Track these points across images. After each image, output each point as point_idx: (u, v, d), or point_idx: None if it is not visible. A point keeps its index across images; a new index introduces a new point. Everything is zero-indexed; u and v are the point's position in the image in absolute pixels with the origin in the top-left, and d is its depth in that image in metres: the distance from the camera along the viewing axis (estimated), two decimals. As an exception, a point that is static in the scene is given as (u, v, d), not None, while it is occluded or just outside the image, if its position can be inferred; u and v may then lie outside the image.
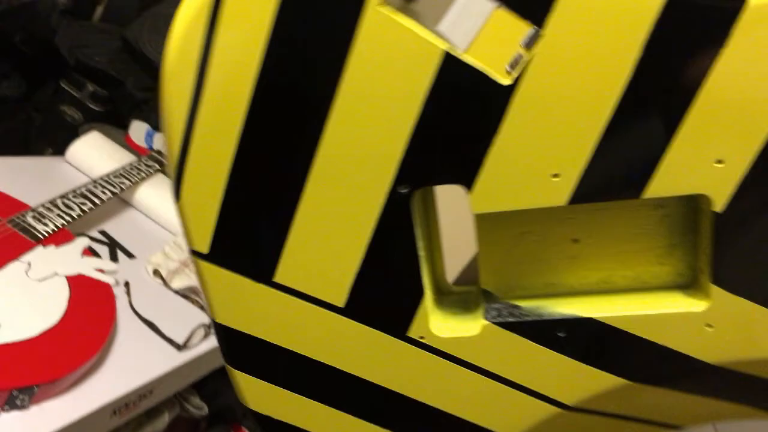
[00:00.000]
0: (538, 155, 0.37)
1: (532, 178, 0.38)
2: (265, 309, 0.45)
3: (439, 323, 0.44)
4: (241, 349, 0.49)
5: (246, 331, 0.47)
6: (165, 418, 0.86)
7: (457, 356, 0.44)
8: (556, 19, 0.34)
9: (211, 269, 0.44)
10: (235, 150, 0.40)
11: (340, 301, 0.44)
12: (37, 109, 1.36)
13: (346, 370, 0.47)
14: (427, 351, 0.45)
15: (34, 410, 0.63)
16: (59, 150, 1.13)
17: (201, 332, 0.85)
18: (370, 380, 0.47)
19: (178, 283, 0.91)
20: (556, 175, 0.37)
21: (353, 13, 0.35)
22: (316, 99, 0.38)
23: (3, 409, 0.60)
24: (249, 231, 0.43)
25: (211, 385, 0.98)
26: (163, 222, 1.03)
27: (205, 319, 0.88)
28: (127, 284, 0.84)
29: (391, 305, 0.44)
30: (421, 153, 0.38)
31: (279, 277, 0.44)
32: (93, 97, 1.28)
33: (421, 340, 0.45)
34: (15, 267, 0.72)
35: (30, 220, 0.78)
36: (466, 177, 0.39)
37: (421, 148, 0.38)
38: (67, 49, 1.30)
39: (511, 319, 0.44)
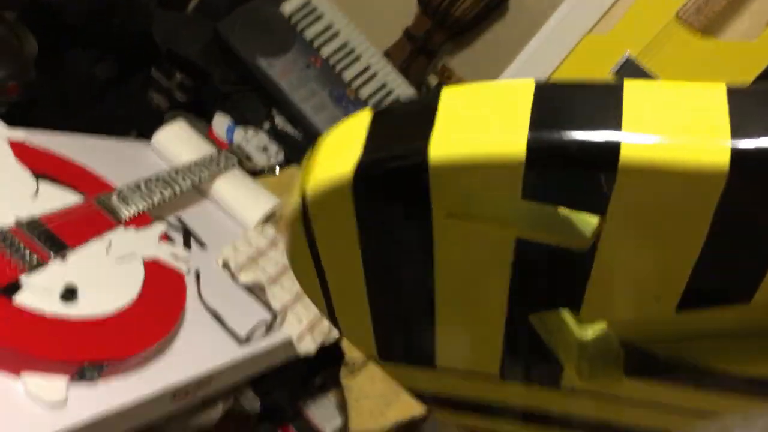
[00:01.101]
0: (636, 285, 0.37)
1: (634, 302, 0.38)
2: (436, 382, 0.53)
3: (586, 374, 0.46)
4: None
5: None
6: (219, 409, 0.88)
7: (611, 393, 0.48)
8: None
9: (386, 366, 0.52)
10: (366, 290, 0.43)
11: (495, 369, 0.48)
12: (126, 94, 1.40)
13: (507, 405, 0.54)
14: (583, 394, 0.48)
15: (102, 385, 0.64)
16: (142, 134, 1.17)
17: (263, 328, 0.86)
18: (528, 410, 0.54)
19: (245, 277, 0.92)
20: (657, 297, 0.37)
21: (425, 229, 0.37)
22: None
23: (72, 379, 0.62)
24: (400, 338, 0.49)
25: (265, 383, 0.99)
26: (236, 216, 1.05)
27: (266, 315, 0.89)
28: (198, 273, 0.86)
29: (539, 365, 0.47)
30: (522, 304, 0.41)
31: (440, 362, 0.49)
32: (180, 87, 1.32)
33: (575, 387, 0.48)
34: (97, 244, 0.74)
35: (114, 201, 0.81)
36: (572, 308, 0.41)
37: (520, 301, 0.41)
38: (161, 38, 1.34)
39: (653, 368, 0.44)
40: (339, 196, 0.35)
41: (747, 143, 0.30)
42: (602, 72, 1.46)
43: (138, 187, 0.86)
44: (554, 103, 0.32)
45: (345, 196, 0.35)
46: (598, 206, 0.33)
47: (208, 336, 0.80)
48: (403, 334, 0.49)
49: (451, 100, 0.34)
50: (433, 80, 1.60)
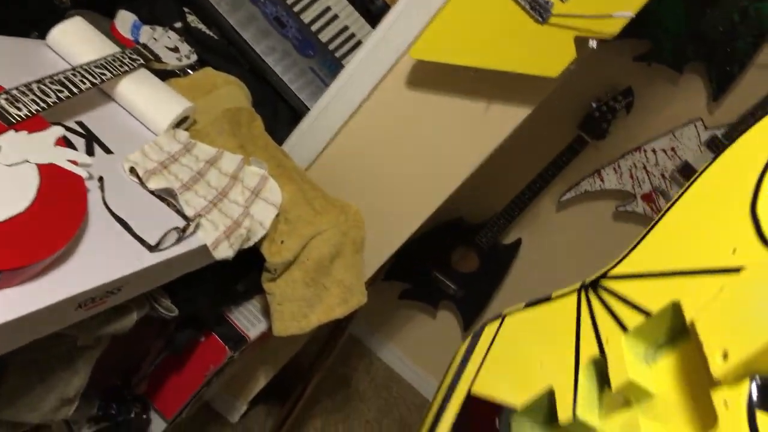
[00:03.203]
0: None
1: None
2: None
3: None
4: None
5: None
6: (133, 317, 0.86)
7: None
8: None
9: None
10: None
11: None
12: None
13: None
14: None
15: (-4, 296, 0.62)
16: (43, 35, 1.08)
17: (174, 235, 0.83)
18: None
19: (155, 183, 0.89)
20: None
21: None
22: None
23: (-37, 292, 0.59)
24: None
25: (186, 290, 0.98)
26: (145, 120, 1.00)
27: (180, 222, 0.87)
28: (101, 179, 0.82)
29: None
30: None
31: None
32: (81, -18, 1.21)
33: None
34: (-16, 149, 0.69)
35: (2, 103, 0.75)
36: None
37: None
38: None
39: None
40: None
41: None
42: None
43: (29, 88, 0.80)
44: None
45: None
46: None
47: (114, 244, 0.77)
48: None
49: None
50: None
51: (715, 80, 1.59)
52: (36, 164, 0.72)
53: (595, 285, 0.57)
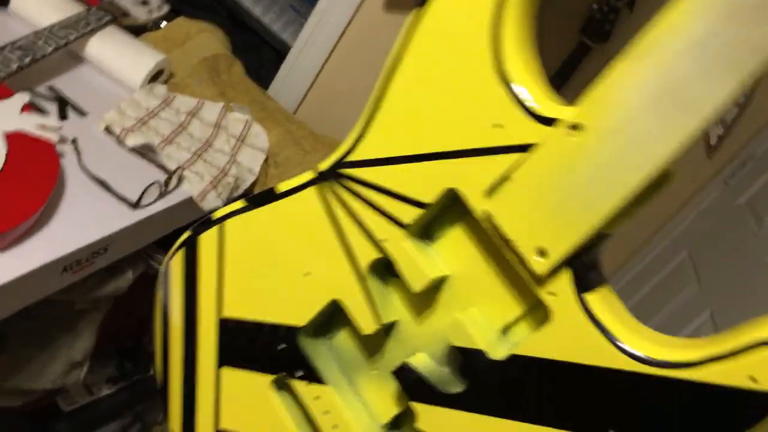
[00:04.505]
0: None
1: None
2: None
3: None
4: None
5: None
6: (129, 276, 0.86)
7: None
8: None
9: None
10: None
11: None
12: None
13: None
14: None
15: (-25, 267, 0.62)
16: (6, 2, 1.06)
17: (155, 190, 0.82)
18: None
19: (132, 140, 0.88)
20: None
21: None
22: None
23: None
24: None
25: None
26: (118, 78, 0.98)
27: (161, 176, 0.86)
28: (74, 141, 0.81)
29: None
30: None
31: None
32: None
33: None
34: (-53, 123, 0.68)
35: (-39, 74, 0.74)
36: None
37: None
38: None
39: None
40: None
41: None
42: None
43: (-11, 57, 0.78)
44: None
45: None
46: None
47: (95, 204, 0.77)
48: None
49: None
50: None
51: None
52: (2, 133, 0.71)
53: (336, 176, 0.49)
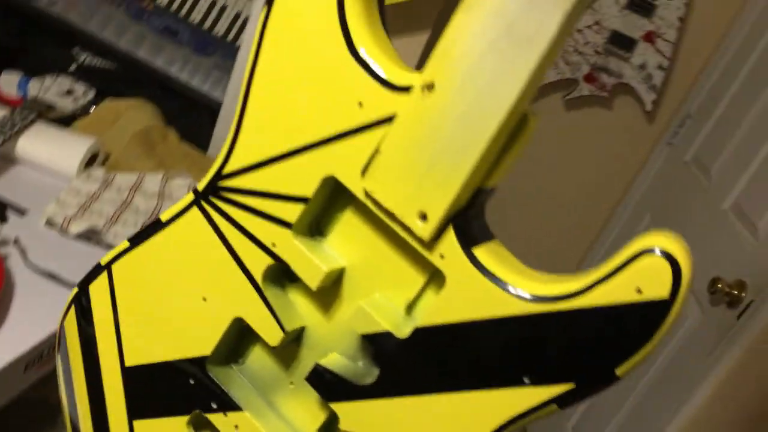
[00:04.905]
0: None
1: None
2: None
3: None
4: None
5: None
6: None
7: None
8: None
9: None
10: None
11: None
12: None
13: None
14: None
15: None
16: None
17: (106, 271, 0.84)
18: None
19: (76, 227, 0.89)
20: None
21: None
22: None
23: None
24: None
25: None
26: (53, 170, 1.00)
27: (110, 256, 0.87)
28: (16, 241, 0.82)
29: None
30: None
31: None
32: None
33: None
34: None
35: None
36: None
37: None
38: None
39: None
40: None
41: None
42: None
43: None
44: None
45: None
46: None
47: (48, 297, 0.78)
48: None
49: None
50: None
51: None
52: (-60, 248, 0.72)
53: (215, 191, 0.49)
